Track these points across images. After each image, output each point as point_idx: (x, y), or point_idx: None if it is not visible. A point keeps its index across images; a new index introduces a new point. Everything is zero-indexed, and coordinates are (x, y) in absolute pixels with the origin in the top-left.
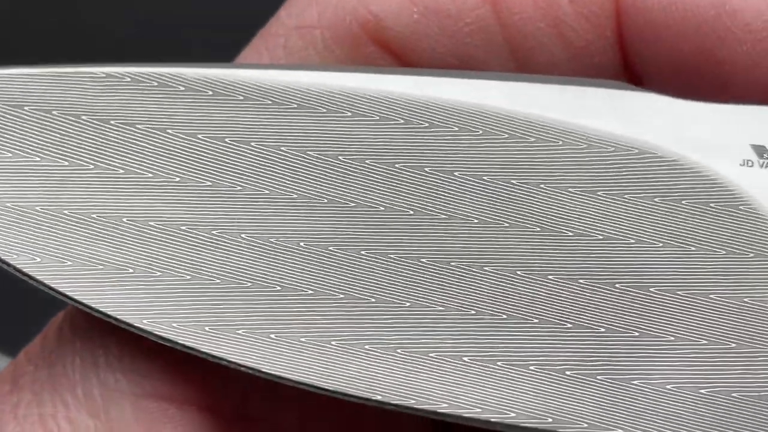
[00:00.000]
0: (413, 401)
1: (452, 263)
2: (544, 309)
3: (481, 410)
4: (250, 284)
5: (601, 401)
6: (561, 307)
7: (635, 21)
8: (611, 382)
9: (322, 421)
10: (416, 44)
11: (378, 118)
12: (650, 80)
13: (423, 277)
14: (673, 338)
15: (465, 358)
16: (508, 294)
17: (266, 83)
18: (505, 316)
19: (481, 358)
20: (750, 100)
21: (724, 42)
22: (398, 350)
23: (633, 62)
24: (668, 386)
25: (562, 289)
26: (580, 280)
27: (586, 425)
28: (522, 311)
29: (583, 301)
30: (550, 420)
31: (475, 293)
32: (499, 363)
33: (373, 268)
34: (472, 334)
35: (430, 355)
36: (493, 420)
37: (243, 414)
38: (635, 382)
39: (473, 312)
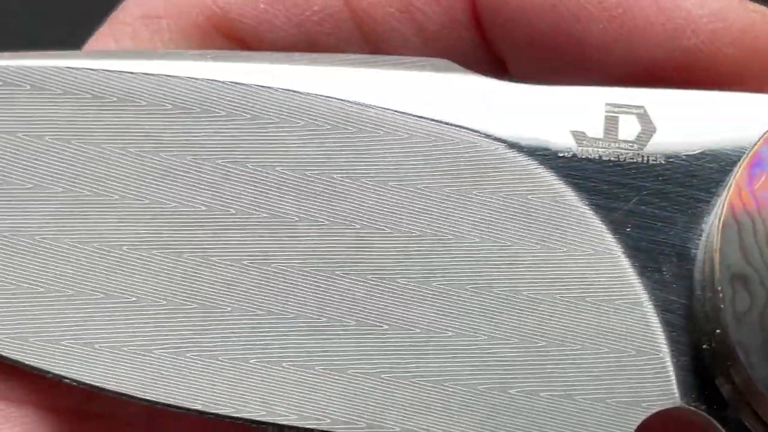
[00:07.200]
0: (232, 410)
1: (273, 265)
2: (362, 311)
3: (296, 416)
4: (72, 292)
5: (414, 404)
6: (378, 308)
7: (488, 2)
8: (424, 385)
9: (170, 416)
10: (265, 35)
11: (199, 110)
12: (512, 61)
13: (245, 279)
14: (486, 337)
15: (284, 364)
16: (326, 295)
17: (86, 76)
18: (324, 319)
19: (298, 364)
20: (606, 80)
21: (579, 20)
22: (219, 357)
23: (492, 44)
24: (479, 387)
25: (379, 289)
26: (399, 279)
27: (398, 429)
28: (340, 313)
29: (399, 302)
30: (364, 424)
31: (295, 296)
32: (317, 368)
33: (195, 272)
34: (291, 339)
35: (250, 361)
36: (308, 427)
37: (86, 411)
38: (447, 384)
39: (292, 316)
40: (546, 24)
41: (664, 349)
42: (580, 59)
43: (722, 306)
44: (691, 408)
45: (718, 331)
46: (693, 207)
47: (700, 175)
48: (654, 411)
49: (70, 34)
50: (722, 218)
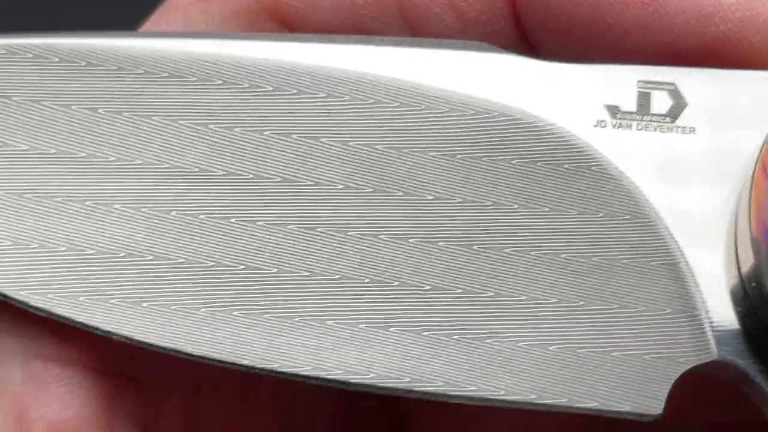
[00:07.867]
0: (278, 365)
1: (318, 229)
2: (405, 272)
3: (342, 371)
4: (123, 254)
5: (456, 360)
6: (420, 269)
7: None
8: (466, 342)
9: (212, 382)
10: (312, 18)
11: (247, 85)
12: (545, 48)
13: (290, 243)
14: (525, 297)
15: (329, 322)
16: (371, 258)
17: (139, 53)
18: (367, 280)
19: (343, 321)
20: (639, 62)
21: (614, 7)
22: (265, 315)
23: (527, 31)
24: (519, 344)
25: (421, 252)
26: (440, 243)
27: (441, 383)
28: (383, 274)
29: (441, 264)
30: (408, 379)
31: (340, 258)
32: (361, 325)
33: (242, 236)
34: (336, 298)
35: (296, 319)
36: (353, 381)
37: (128, 374)
38: (488, 341)
39: (338, 276)
40: (581, 11)
41: (701, 307)
42: (612, 45)
43: (759, 258)
44: (728, 362)
45: (753, 284)
46: (724, 173)
47: (730, 144)
48: (691, 366)
49: (127, 21)
50: (756, 171)
